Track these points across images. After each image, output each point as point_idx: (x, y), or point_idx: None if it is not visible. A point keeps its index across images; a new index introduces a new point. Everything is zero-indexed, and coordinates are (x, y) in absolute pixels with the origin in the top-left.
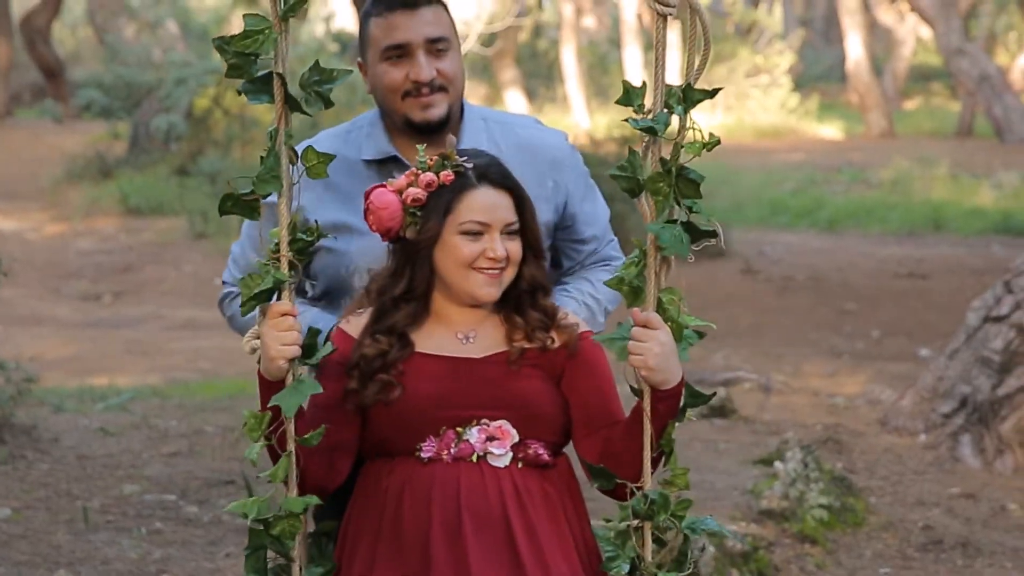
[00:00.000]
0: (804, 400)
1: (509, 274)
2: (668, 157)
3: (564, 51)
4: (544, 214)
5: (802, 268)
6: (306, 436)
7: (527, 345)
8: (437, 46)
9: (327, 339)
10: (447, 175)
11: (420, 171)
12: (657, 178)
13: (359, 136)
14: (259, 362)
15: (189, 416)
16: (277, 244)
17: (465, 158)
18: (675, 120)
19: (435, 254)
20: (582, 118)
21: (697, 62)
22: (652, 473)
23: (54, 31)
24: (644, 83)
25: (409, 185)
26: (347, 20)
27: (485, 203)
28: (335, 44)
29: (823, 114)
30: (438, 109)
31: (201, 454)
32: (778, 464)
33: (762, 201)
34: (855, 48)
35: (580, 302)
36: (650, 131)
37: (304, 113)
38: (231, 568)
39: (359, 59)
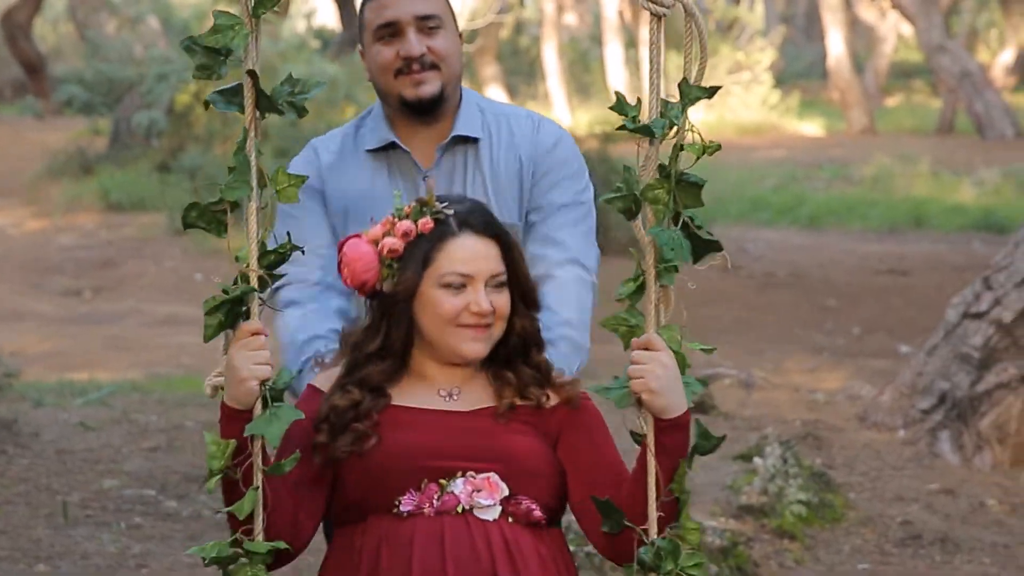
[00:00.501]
0: (784, 396)
1: (498, 329)
2: (664, 164)
3: (545, 48)
4: (518, 202)
5: (783, 265)
6: (280, 462)
7: (519, 401)
8: (428, 23)
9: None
10: (425, 223)
11: (396, 219)
12: (656, 184)
13: (365, 129)
14: (221, 400)
15: (169, 411)
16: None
17: (445, 204)
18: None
19: (414, 309)
20: (563, 115)
21: (695, 69)
22: (667, 525)
23: (35, 27)
24: (639, 99)
25: (385, 235)
26: (328, 16)
27: (467, 253)
28: (316, 40)
29: (804, 111)
30: (430, 86)
31: (181, 449)
32: (757, 460)
33: (743, 198)
34: (836, 45)
35: (557, 336)
36: (647, 132)
37: (278, 113)
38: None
39: (359, 47)
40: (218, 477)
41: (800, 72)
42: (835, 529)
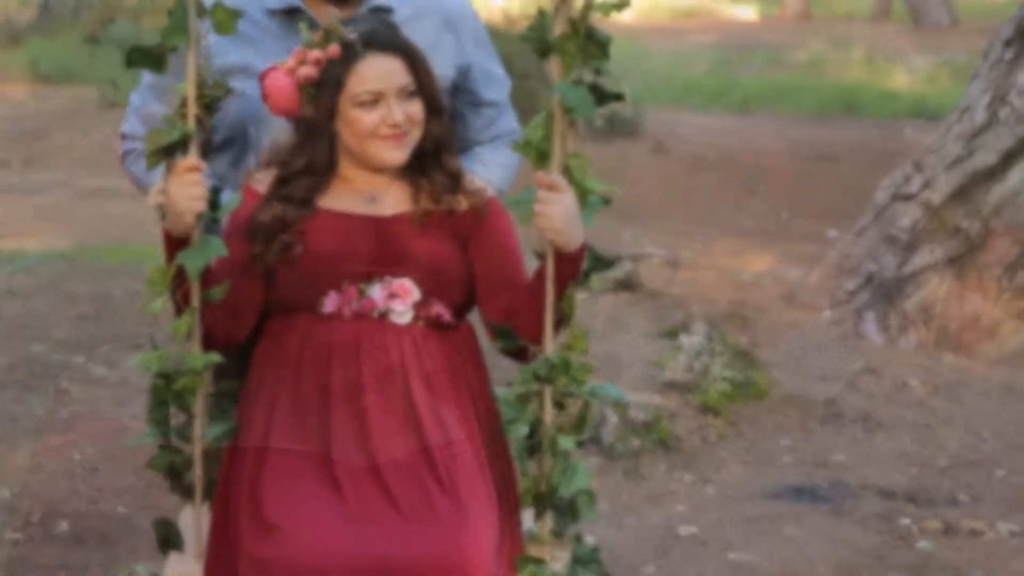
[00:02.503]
0: (710, 276)
1: (415, 135)
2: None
3: None
4: (442, 68)
5: (713, 148)
6: (210, 291)
7: (433, 207)
8: None
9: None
10: (333, 49)
11: (307, 49)
12: (565, 38)
13: None
14: (163, 218)
15: (98, 280)
16: (183, 98)
17: (350, 28)
18: None
19: (337, 127)
20: None
21: None
22: (554, 336)
23: None
24: None
25: (300, 64)
26: None
27: (375, 71)
28: None
29: None
30: None
31: (109, 317)
32: (683, 337)
33: (674, 82)
34: None
35: (483, 175)
36: None
37: None
38: (138, 428)
39: None
40: (162, 300)
41: None
42: (758, 406)
